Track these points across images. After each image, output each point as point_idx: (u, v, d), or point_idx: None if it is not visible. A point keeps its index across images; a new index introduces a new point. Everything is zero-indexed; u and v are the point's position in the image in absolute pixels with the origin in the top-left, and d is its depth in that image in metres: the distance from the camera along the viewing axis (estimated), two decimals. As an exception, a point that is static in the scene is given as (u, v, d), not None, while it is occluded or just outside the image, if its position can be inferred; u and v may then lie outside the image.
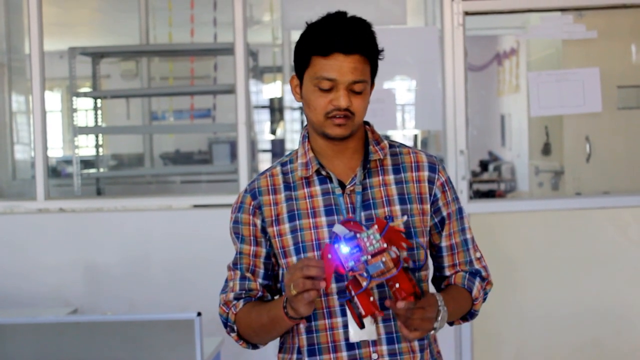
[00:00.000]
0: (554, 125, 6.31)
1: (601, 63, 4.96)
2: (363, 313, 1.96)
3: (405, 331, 2.00)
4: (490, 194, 10.50)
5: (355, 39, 2.09)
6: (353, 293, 1.95)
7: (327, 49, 2.08)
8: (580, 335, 4.76)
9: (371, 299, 1.96)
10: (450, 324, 2.28)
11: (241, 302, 2.21)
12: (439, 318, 2.05)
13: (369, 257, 1.91)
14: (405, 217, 2.16)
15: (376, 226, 1.94)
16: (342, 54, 2.08)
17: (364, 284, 1.92)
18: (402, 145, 2.29)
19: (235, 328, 2.22)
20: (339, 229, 1.97)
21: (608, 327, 4.76)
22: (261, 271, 2.22)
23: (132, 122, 9.48)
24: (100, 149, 6.85)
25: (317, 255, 2.13)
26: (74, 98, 6.17)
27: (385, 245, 1.92)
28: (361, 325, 2.01)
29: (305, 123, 2.25)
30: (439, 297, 2.07)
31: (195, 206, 5.04)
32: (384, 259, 1.91)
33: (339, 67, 2.08)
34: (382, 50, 2.17)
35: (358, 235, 1.93)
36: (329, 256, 1.93)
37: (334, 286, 2.12)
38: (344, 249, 1.92)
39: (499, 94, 12.32)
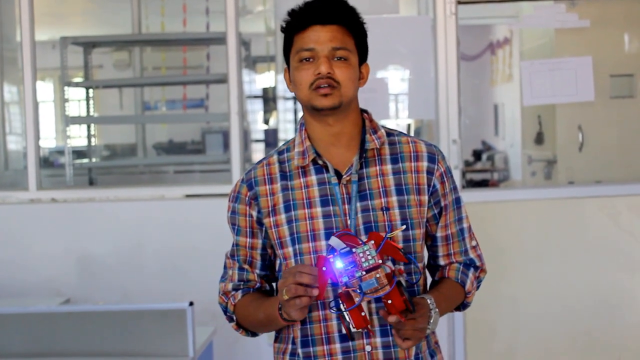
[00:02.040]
0: (546, 115, 6.32)
1: (594, 52, 4.95)
2: (354, 326, 1.96)
3: (399, 340, 2.01)
4: (483, 184, 10.51)
5: (331, 10, 2.11)
6: (344, 307, 1.95)
7: (304, 23, 2.12)
8: (572, 324, 4.77)
9: (362, 313, 1.96)
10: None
11: (239, 293, 2.22)
12: (431, 321, 2.06)
13: (363, 273, 1.90)
14: (404, 227, 2.14)
15: (372, 242, 1.92)
16: (319, 25, 2.11)
17: (357, 299, 1.92)
18: (401, 134, 2.27)
19: (235, 318, 2.24)
20: (334, 241, 1.96)
21: (600, 316, 4.77)
22: (258, 262, 2.23)
23: (125, 112, 9.46)
24: (93, 139, 6.83)
25: (312, 247, 2.13)
26: (66, 88, 6.15)
27: (380, 262, 1.91)
28: (351, 338, 2.02)
29: (302, 113, 2.24)
30: (431, 300, 2.07)
31: (188, 196, 5.03)
32: (378, 276, 1.90)
33: (317, 37, 2.10)
34: (365, 23, 2.18)
35: (354, 250, 1.92)
36: (324, 269, 1.92)
37: (329, 287, 2.11)
38: (339, 263, 1.91)
39: (492, 84, 12.30)
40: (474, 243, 2.31)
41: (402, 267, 2.12)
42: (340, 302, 1.96)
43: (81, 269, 4.84)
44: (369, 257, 1.91)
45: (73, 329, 3.22)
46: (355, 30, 2.15)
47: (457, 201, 2.28)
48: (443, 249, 2.27)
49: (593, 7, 5.11)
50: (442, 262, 2.28)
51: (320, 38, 2.10)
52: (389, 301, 1.93)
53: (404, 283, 2.02)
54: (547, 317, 4.75)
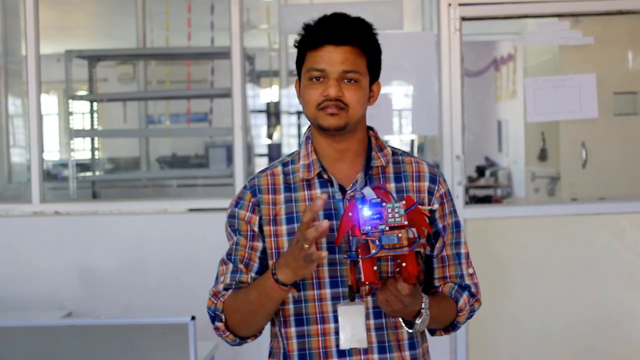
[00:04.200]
0: (550, 131, 6.32)
1: (598, 69, 4.96)
2: (363, 279, 1.94)
3: (381, 297, 1.99)
4: (486, 200, 10.50)
5: (345, 30, 2.09)
6: (360, 257, 1.93)
7: (318, 41, 2.10)
8: (575, 341, 4.76)
9: (375, 268, 1.94)
10: (432, 333, 2.26)
11: (230, 292, 2.16)
12: (419, 320, 2.05)
13: (387, 227, 1.90)
14: (435, 205, 2.16)
15: (404, 202, 1.92)
16: (332, 45, 2.09)
17: (373, 251, 1.90)
18: (405, 153, 2.27)
19: (223, 317, 2.16)
20: (367, 191, 1.96)
21: (603, 334, 4.76)
22: (255, 265, 2.18)
23: (129, 125, 9.47)
24: (97, 152, 6.83)
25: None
26: (70, 101, 6.16)
27: (405, 223, 1.90)
28: (357, 290, 2.00)
29: (309, 124, 2.24)
30: (425, 300, 2.06)
31: (191, 210, 5.03)
32: (400, 235, 1.89)
33: (329, 57, 2.08)
34: (379, 43, 2.16)
35: (384, 203, 1.91)
36: (350, 214, 1.92)
37: (328, 292, 2.11)
38: (366, 212, 1.90)
39: (495, 100, 12.32)
40: (470, 271, 2.27)
41: (425, 242, 2.11)
42: (358, 253, 1.95)
43: (83, 283, 4.84)
44: (397, 215, 1.90)
45: (75, 343, 3.21)
46: (368, 50, 2.13)
47: (457, 225, 2.26)
48: (438, 271, 2.25)
49: (597, 25, 5.11)
50: (436, 284, 2.25)
51: (332, 59, 2.08)
52: (404, 264, 1.92)
53: (422, 257, 2.01)
54: (550, 334, 4.74)
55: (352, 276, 1.98)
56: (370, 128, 2.24)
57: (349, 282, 2.03)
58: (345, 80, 2.10)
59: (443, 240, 2.23)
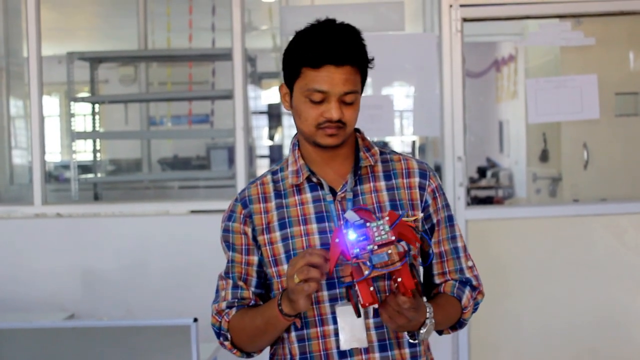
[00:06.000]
0: (551, 132, 6.32)
1: (599, 70, 4.97)
2: (362, 302, 1.94)
3: (385, 316, 1.99)
4: (488, 201, 10.50)
5: (345, 49, 2.06)
6: (354, 280, 1.93)
7: (318, 60, 2.05)
8: (577, 342, 4.75)
9: (371, 289, 1.94)
10: (439, 333, 2.27)
11: (234, 310, 2.19)
12: (424, 330, 2.06)
13: (375, 247, 1.90)
14: (421, 215, 2.16)
15: (387, 218, 1.93)
16: (333, 66, 2.05)
17: (366, 272, 1.91)
18: (392, 152, 2.28)
19: (229, 336, 2.20)
20: (350, 215, 1.96)
21: (605, 335, 4.75)
22: (254, 280, 2.20)
23: (130, 127, 9.47)
24: (98, 154, 6.84)
25: None
26: (72, 103, 6.16)
27: (393, 238, 1.90)
28: (358, 314, 2.01)
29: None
30: (429, 308, 2.06)
31: (193, 212, 5.03)
32: (389, 251, 1.89)
33: (330, 78, 2.06)
34: (372, 59, 2.15)
35: (368, 224, 1.92)
36: (336, 240, 1.92)
37: (325, 294, 2.11)
38: (352, 235, 1.91)
39: (497, 101, 12.32)
40: (470, 263, 2.28)
41: (415, 253, 2.12)
42: (352, 276, 1.94)
43: (85, 284, 4.84)
44: (382, 233, 1.91)
45: (77, 345, 3.21)
46: (363, 67, 2.12)
47: (450, 219, 2.27)
48: (437, 267, 2.25)
49: (598, 26, 5.12)
50: (437, 280, 2.26)
51: (334, 80, 2.05)
52: (399, 279, 1.92)
53: (416, 267, 2.00)
54: (552, 335, 4.74)
55: (351, 301, 1.99)
56: (356, 130, 2.24)
57: (345, 296, 2.04)
58: (344, 102, 2.09)
59: (429, 242, 2.23)
